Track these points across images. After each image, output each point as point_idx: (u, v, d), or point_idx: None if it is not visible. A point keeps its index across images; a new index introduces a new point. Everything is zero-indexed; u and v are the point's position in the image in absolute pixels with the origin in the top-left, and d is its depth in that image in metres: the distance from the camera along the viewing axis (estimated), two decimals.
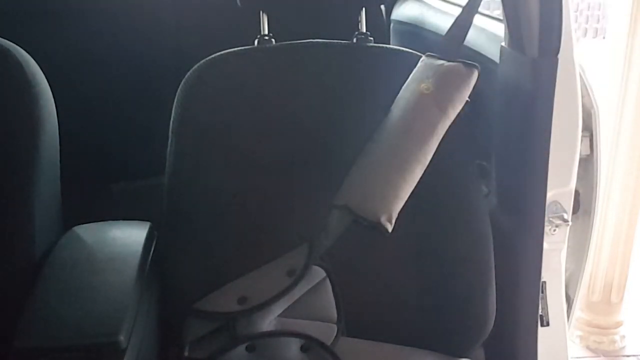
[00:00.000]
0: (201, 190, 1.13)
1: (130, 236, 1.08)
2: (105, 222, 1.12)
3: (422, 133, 1.07)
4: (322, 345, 1.06)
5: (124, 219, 1.14)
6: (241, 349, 1.05)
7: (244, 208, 1.14)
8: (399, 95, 1.12)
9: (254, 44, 1.20)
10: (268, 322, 1.07)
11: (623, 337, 2.15)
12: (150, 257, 1.04)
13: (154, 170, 1.21)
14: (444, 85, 1.08)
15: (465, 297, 1.12)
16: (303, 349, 1.06)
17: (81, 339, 0.86)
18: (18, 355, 0.85)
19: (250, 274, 1.10)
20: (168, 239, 1.12)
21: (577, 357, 2.08)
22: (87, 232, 1.09)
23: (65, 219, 1.12)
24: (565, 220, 1.29)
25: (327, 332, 1.08)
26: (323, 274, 1.10)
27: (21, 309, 0.90)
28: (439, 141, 1.08)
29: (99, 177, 1.45)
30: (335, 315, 1.09)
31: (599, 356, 2.11)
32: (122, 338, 0.86)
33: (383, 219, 1.04)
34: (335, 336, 1.07)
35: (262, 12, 1.20)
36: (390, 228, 1.05)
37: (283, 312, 1.09)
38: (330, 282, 1.10)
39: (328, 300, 1.10)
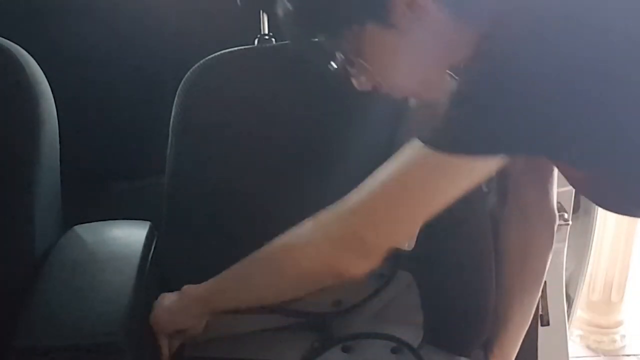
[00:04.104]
0: (201, 190, 1.13)
1: (130, 236, 1.08)
2: (105, 221, 1.12)
3: None
4: (411, 348, 1.07)
5: (124, 219, 1.14)
6: (337, 349, 1.07)
7: (244, 207, 1.14)
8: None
9: (254, 43, 1.20)
10: (361, 324, 1.09)
11: (623, 336, 2.16)
12: (150, 257, 1.04)
13: (154, 170, 1.21)
14: None
15: (465, 296, 1.12)
16: (394, 351, 1.08)
17: (81, 339, 0.86)
18: (18, 355, 0.85)
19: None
20: (168, 239, 1.12)
21: (578, 357, 2.08)
22: (87, 231, 1.09)
23: (65, 219, 1.13)
24: (566, 220, 1.29)
25: (414, 334, 1.09)
26: (410, 277, 1.12)
27: (21, 309, 0.90)
28: None
29: (99, 177, 1.45)
30: (421, 318, 1.11)
31: (599, 355, 2.11)
32: (122, 338, 0.86)
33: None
34: (422, 339, 1.09)
35: (262, 12, 1.20)
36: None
37: (375, 314, 1.10)
38: (417, 285, 1.12)
39: (415, 303, 1.11)
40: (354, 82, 0.87)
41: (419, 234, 1.11)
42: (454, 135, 0.74)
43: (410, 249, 1.10)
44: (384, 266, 1.12)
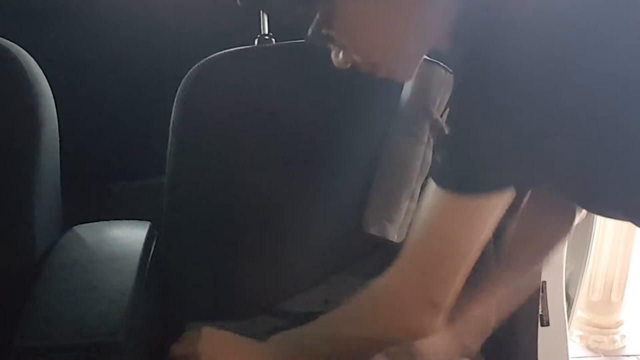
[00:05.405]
0: (201, 190, 1.13)
1: (130, 236, 1.08)
2: (105, 221, 1.13)
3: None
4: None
5: (124, 219, 1.14)
6: None
7: (244, 207, 1.14)
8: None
9: (254, 43, 1.20)
10: None
11: (623, 336, 2.16)
12: (150, 257, 1.04)
13: (154, 170, 1.21)
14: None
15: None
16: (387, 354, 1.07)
17: (81, 339, 0.86)
18: (18, 355, 0.85)
19: (333, 278, 1.13)
20: (168, 239, 1.12)
21: (578, 357, 2.08)
22: (87, 231, 1.09)
23: (65, 219, 1.13)
24: None
25: None
26: None
27: (21, 309, 0.90)
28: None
29: (98, 177, 1.44)
30: None
31: (599, 356, 2.11)
32: (122, 338, 0.86)
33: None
34: None
35: (262, 12, 1.20)
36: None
37: None
38: None
39: None
40: (333, 59, 0.85)
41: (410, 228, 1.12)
42: (470, 176, 0.72)
43: (400, 241, 1.10)
44: (372, 263, 1.12)
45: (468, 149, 0.71)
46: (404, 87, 1.14)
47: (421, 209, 0.78)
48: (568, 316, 1.46)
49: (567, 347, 1.44)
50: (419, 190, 1.11)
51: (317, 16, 0.80)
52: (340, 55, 0.83)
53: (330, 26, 0.80)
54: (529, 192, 1.05)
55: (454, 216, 0.74)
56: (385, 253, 1.12)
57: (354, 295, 0.86)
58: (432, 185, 0.75)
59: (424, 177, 1.11)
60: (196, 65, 1.15)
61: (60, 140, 1.10)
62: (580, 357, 2.10)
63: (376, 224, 1.10)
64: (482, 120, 0.69)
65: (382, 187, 1.13)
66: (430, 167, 0.77)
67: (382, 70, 0.84)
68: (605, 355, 2.11)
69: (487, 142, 0.69)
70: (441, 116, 1.11)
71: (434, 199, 0.75)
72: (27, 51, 1.04)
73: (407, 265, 0.79)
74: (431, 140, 1.11)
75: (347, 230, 1.14)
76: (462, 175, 0.72)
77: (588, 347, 2.13)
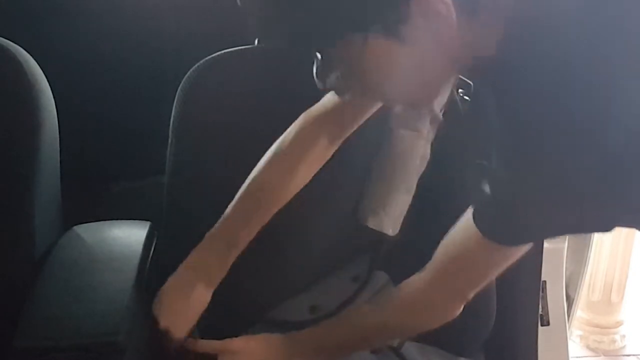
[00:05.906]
0: (201, 190, 1.13)
1: (130, 236, 1.08)
2: (105, 221, 1.13)
3: None
4: (390, 347, 1.07)
5: (124, 219, 1.14)
6: None
7: None
8: None
9: (254, 43, 1.20)
10: None
11: (623, 336, 2.16)
12: (150, 257, 1.04)
13: (154, 170, 1.21)
14: None
15: None
16: (373, 351, 1.07)
17: (81, 339, 0.87)
18: (18, 355, 0.85)
19: (319, 283, 1.13)
20: (168, 239, 1.12)
21: (578, 357, 2.08)
22: (87, 231, 1.09)
23: (65, 219, 1.13)
24: None
25: None
26: (386, 277, 1.12)
27: (21, 309, 0.90)
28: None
29: (99, 177, 1.45)
30: None
31: (599, 355, 2.11)
32: (122, 338, 0.86)
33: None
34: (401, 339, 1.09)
35: None
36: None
37: None
38: (395, 284, 1.11)
39: None
40: (337, 92, 0.83)
41: (422, 235, 1.12)
42: (515, 233, 0.78)
43: (394, 234, 1.10)
44: (360, 269, 1.12)
45: (518, 212, 0.74)
46: None
47: (456, 239, 0.86)
48: (568, 316, 1.46)
49: (567, 347, 1.44)
50: (415, 183, 1.11)
51: (336, 54, 0.75)
52: (349, 89, 0.80)
53: (351, 65, 0.74)
54: None
55: (489, 257, 0.84)
56: (371, 257, 1.12)
57: (381, 296, 0.99)
58: (470, 223, 0.81)
59: (422, 170, 1.11)
60: (196, 65, 1.15)
61: (60, 140, 1.10)
62: (580, 357, 2.10)
63: (373, 216, 1.10)
64: (536, 187, 0.70)
65: (380, 180, 1.12)
66: (474, 210, 0.80)
67: (400, 103, 0.86)
68: (605, 355, 2.11)
69: (537, 207, 0.72)
70: (441, 111, 1.10)
71: (474, 239, 0.81)
72: (27, 51, 1.04)
73: (437, 282, 0.91)
74: (430, 134, 1.11)
75: (339, 231, 1.14)
76: (508, 232, 0.78)
77: (588, 347, 2.13)
